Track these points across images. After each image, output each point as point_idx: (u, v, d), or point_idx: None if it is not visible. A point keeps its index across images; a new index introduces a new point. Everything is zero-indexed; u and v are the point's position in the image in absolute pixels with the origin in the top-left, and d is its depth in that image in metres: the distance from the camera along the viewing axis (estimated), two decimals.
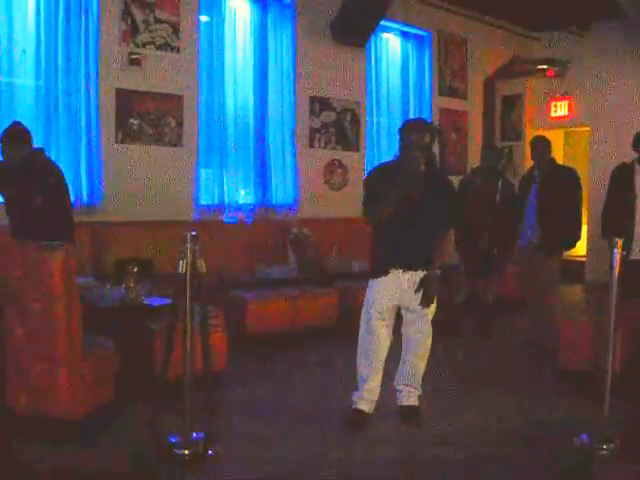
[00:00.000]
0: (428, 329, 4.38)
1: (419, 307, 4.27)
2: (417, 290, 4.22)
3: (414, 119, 4.58)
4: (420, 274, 4.24)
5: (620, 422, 4.09)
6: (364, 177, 4.54)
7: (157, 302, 5.08)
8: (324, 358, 5.98)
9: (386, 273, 4.26)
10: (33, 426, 3.93)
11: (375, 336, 4.31)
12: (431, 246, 4.25)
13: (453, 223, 4.49)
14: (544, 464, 3.86)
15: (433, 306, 4.34)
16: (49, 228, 5.10)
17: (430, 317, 4.36)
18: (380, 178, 4.30)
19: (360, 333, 4.39)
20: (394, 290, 4.26)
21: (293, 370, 5.72)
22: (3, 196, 5.39)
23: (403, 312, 4.38)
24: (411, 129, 4.24)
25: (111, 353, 4.38)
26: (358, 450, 4.03)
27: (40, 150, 5.47)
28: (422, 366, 4.44)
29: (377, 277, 4.31)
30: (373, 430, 4.32)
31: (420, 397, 4.49)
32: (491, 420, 4.56)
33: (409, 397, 4.46)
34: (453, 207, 4.40)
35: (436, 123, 4.23)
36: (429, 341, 4.40)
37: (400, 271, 4.24)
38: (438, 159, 4.49)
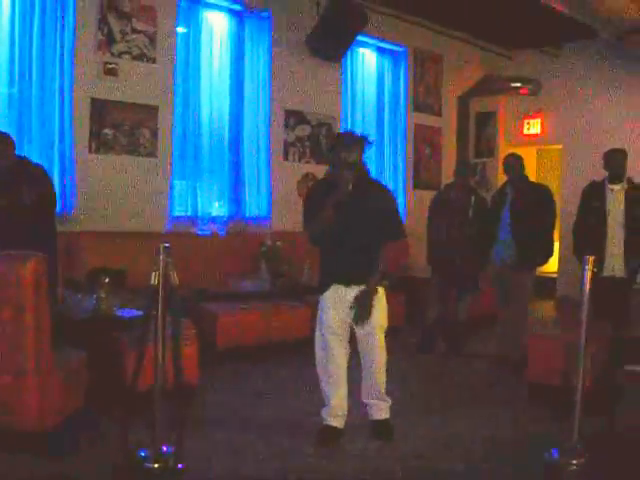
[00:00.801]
0: (380, 343, 4.35)
1: (366, 323, 4.26)
2: (351, 307, 4.23)
3: (342, 133, 4.57)
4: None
5: (590, 437, 4.12)
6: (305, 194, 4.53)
7: (129, 313, 5.04)
8: (296, 372, 5.95)
9: (328, 287, 4.31)
10: (0, 439, 3.86)
11: (330, 352, 4.33)
12: (372, 260, 4.24)
13: (393, 236, 4.37)
14: (514, 478, 3.87)
15: (384, 320, 4.34)
16: (37, 237, 5.11)
17: (380, 331, 4.33)
18: (317, 194, 4.33)
19: (316, 350, 4.40)
20: (340, 305, 4.28)
21: (265, 384, 5.69)
22: None
23: (355, 329, 4.36)
24: (338, 144, 4.26)
25: (81, 364, 4.34)
26: (332, 465, 4.01)
27: (25, 157, 5.49)
28: (382, 378, 4.41)
29: (322, 292, 4.36)
30: (346, 445, 4.31)
31: (391, 408, 4.47)
32: (462, 435, 4.57)
33: (379, 410, 4.45)
34: (390, 219, 4.34)
35: (367, 135, 4.10)
36: (383, 354, 4.38)
37: (342, 287, 4.27)
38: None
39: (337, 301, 4.29)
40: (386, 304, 4.38)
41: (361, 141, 4.25)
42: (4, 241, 5.06)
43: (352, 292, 4.26)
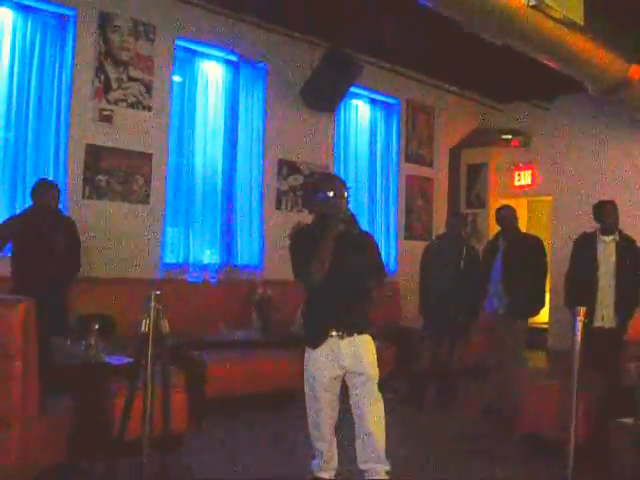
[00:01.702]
0: (375, 395, 4.15)
1: (359, 370, 4.10)
2: None
3: (319, 175, 4.53)
4: (356, 339, 4.11)
5: None
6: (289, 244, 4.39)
7: (118, 361, 4.99)
8: (286, 423, 5.88)
9: (321, 342, 4.12)
10: None
11: (321, 409, 4.15)
12: (362, 308, 4.17)
13: (375, 278, 4.28)
14: None
15: (375, 370, 4.16)
16: (58, 284, 5.62)
17: (374, 382, 4.14)
18: (305, 238, 4.22)
19: (307, 405, 4.21)
20: (333, 361, 4.10)
21: (254, 435, 5.62)
22: (24, 244, 5.68)
23: (347, 379, 4.18)
24: (320, 183, 4.28)
25: (68, 412, 4.27)
26: None
27: (59, 209, 5.98)
28: (381, 436, 4.14)
29: (314, 347, 4.15)
30: None
31: (388, 472, 4.15)
32: None
33: (377, 475, 4.14)
34: (375, 263, 4.25)
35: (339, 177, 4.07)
36: (380, 408, 4.16)
37: (335, 339, 4.10)
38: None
39: (330, 357, 4.11)
40: (375, 354, 4.20)
41: (340, 180, 4.27)
42: (28, 284, 5.25)
43: (345, 345, 4.10)
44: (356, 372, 4.14)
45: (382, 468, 4.14)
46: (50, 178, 6.06)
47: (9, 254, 5.77)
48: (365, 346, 4.17)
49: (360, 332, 4.16)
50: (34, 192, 5.73)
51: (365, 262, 4.17)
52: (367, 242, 4.31)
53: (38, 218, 5.69)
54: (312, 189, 4.26)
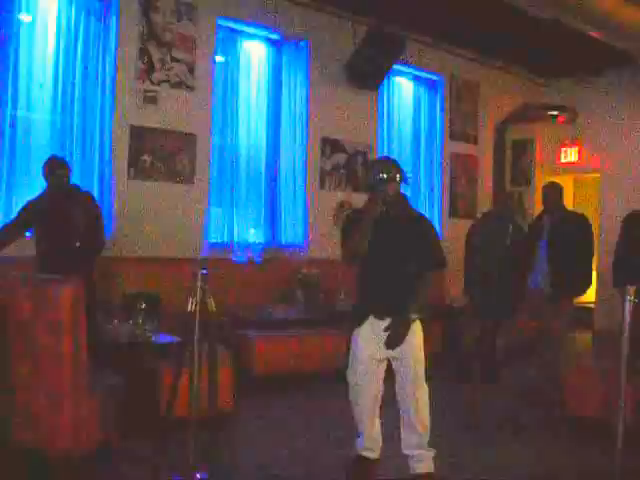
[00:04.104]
0: (419, 378, 4.08)
1: (401, 354, 4.03)
2: (385, 330, 4.01)
3: (377, 159, 4.49)
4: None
5: (631, 472, 4.03)
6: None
7: (165, 339, 5.07)
8: (332, 401, 5.89)
9: (362, 321, 4.10)
10: (36, 461, 3.88)
11: (359, 389, 4.12)
12: (408, 291, 4.04)
13: (433, 266, 4.19)
14: None
15: (421, 355, 4.09)
16: (83, 261, 5.44)
17: (419, 366, 4.06)
18: (353, 220, 4.21)
19: (349, 385, 4.18)
20: (374, 342, 4.05)
21: (299, 413, 5.66)
22: (46, 224, 5.54)
23: (392, 364, 4.12)
24: (370, 167, 4.26)
25: (116, 389, 4.35)
26: None
27: (76, 185, 5.83)
28: (424, 422, 4.06)
29: (356, 326, 4.14)
30: None
31: (434, 458, 4.09)
32: (500, 469, 4.48)
33: (421, 462, 4.08)
34: (430, 249, 4.14)
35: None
36: (423, 391, 4.10)
37: (377, 320, 4.05)
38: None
39: (372, 337, 4.08)
40: (422, 340, 4.11)
41: (393, 163, 4.17)
42: (53, 263, 5.27)
43: (386, 325, 4.03)
44: (398, 357, 4.07)
45: (427, 454, 4.09)
46: (60, 155, 5.87)
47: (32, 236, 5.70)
48: None
49: (402, 315, 4.03)
50: (46, 172, 5.57)
51: (412, 247, 4.06)
52: (421, 228, 4.19)
53: (55, 196, 5.56)
54: (368, 171, 4.23)
